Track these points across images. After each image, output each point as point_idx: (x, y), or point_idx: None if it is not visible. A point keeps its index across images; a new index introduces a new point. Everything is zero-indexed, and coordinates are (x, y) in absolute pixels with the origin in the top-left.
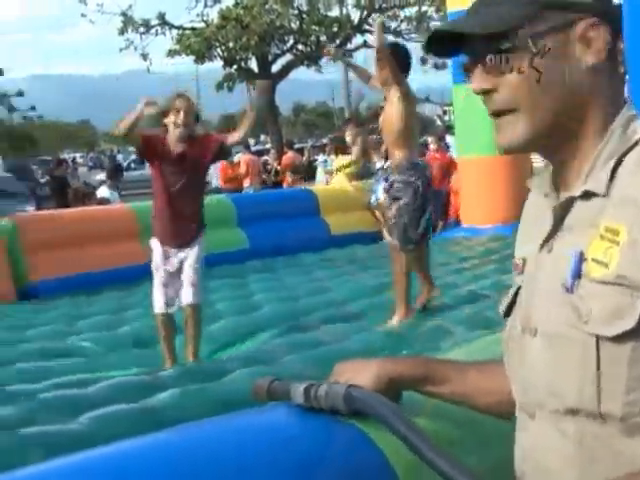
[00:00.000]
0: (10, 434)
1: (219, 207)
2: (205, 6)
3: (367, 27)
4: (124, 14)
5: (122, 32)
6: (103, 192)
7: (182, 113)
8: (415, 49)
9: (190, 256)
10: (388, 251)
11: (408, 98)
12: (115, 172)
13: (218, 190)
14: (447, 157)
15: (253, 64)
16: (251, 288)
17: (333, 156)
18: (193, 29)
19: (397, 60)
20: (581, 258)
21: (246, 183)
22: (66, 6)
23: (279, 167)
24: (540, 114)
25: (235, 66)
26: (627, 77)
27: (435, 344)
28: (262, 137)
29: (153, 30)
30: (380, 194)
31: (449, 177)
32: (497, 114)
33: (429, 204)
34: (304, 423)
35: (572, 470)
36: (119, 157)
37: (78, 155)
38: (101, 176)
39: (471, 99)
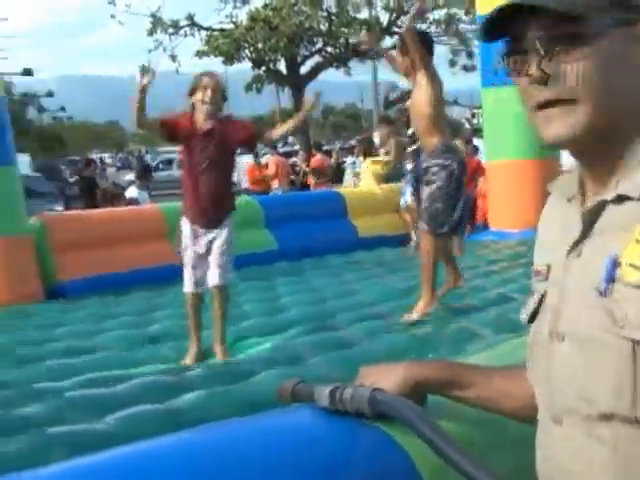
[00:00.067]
0: (38, 432)
1: (247, 208)
2: (234, 7)
3: (396, 29)
4: (153, 15)
5: (151, 33)
6: (132, 192)
7: (209, 90)
8: (444, 51)
9: (219, 237)
10: (415, 254)
11: (436, 81)
12: (144, 172)
13: (247, 192)
14: (474, 160)
15: (282, 65)
16: (278, 290)
17: (361, 158)
18: (222, 30)
19: (422, 44)
20: (615, 262)
21: (275, 184)
22: (96, 8)
23: (307, 169)
24: (600, 109)
25: (264, 67)
26: None
27: (461, 346)
28: (290, 139)
29: (182, 31)
30: (408, 197)
31: (476, 181)
32: (547, 105)
33: (462, 188)
34: (329, 425)
35: (605, 475)
36: (147, 157)
37: (106, 155)
38: (130, 176)
39: (500, 102)
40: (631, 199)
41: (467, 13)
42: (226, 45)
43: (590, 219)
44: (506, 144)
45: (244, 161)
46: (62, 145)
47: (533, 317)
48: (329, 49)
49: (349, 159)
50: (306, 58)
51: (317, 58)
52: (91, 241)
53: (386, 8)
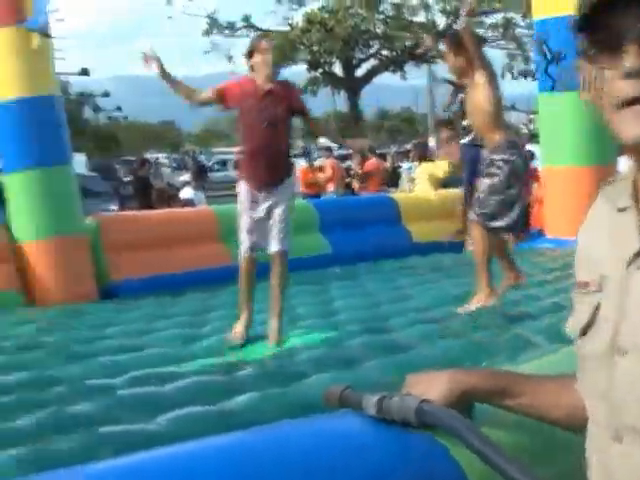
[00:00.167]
0: (89, 431)
1: (302, 212)
2: (290, 9)
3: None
4: (209, 16)
5: (207, 33)
6: (187, 193)
7: (268, 53)
8: (501, 57)
9: (280, 203)
10: (471, 259)
11: (494, 80)
12: (200, 173)
13: (301, 195)
14: (530, 166)
15: (337, 68)
16: (332, 294)
17: (417, 163)
18: (278, 32)
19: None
20: None
21: (330, 187)
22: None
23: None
24: None
25: (319, 70)
26: None
27: (515, 354)
28: None
29: (237, 32)
30: None
31: (530, 187)
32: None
33: (523, 188)
34: (378, 432)
35: None
36: (201, 158)
37: (162, 156)
38: (184, 177)
39: (557, 108)
40: None
41: (524, 17)
42: (282, 47)
43: None
44: (563, 150)
45: (298, 164)
46: (117, 145)
47: (585, 330)
48: (385, 52)
49: (405, 164)
50: (362, 61)
51: (373, 61)
52: (145, 242)
53: (443, 11)
